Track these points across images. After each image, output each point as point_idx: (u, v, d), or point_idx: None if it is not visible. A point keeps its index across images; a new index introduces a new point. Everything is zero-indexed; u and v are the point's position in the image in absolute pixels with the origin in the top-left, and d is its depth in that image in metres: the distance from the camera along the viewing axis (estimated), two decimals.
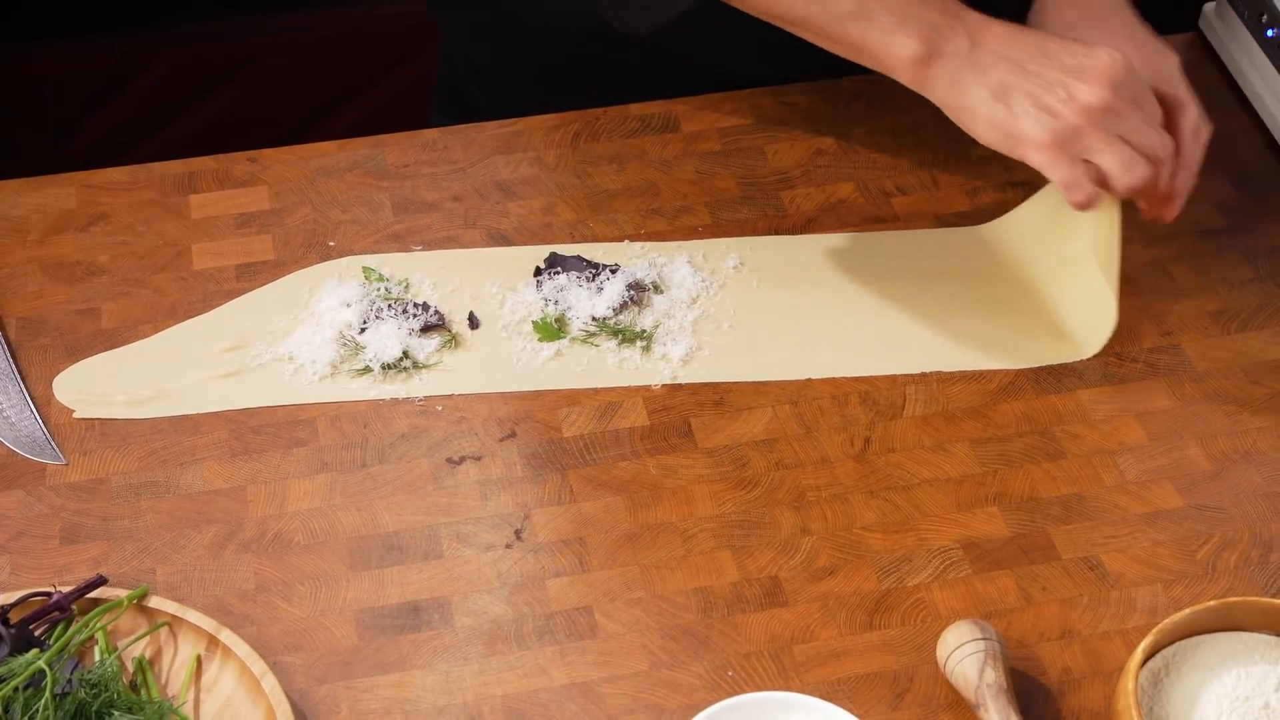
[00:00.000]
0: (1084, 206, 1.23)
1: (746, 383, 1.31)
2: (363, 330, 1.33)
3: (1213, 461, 1.26)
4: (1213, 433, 1.28)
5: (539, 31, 1.54)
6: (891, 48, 1.24)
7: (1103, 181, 1.23)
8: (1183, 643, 1.09)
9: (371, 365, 1.31)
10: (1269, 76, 1.48)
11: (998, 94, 1.22)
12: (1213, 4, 1.57)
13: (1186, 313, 1.36)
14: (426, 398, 1.29)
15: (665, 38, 1.49)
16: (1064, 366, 1.32)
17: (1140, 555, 1.20)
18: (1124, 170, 1.21)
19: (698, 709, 1.05)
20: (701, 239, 1.41)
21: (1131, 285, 1.37)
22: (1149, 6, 1.57)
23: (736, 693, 1.11)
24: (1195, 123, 1.29)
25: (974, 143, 1.41)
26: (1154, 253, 1.40)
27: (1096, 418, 1.29)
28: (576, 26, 1.52)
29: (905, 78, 1.26)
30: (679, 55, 1.51)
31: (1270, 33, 1.47)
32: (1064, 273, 1.35)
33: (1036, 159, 1.22)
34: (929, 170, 1.47)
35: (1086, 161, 1.22)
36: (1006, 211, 1.43)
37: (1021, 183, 1.46)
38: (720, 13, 1.35)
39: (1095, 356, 1.32)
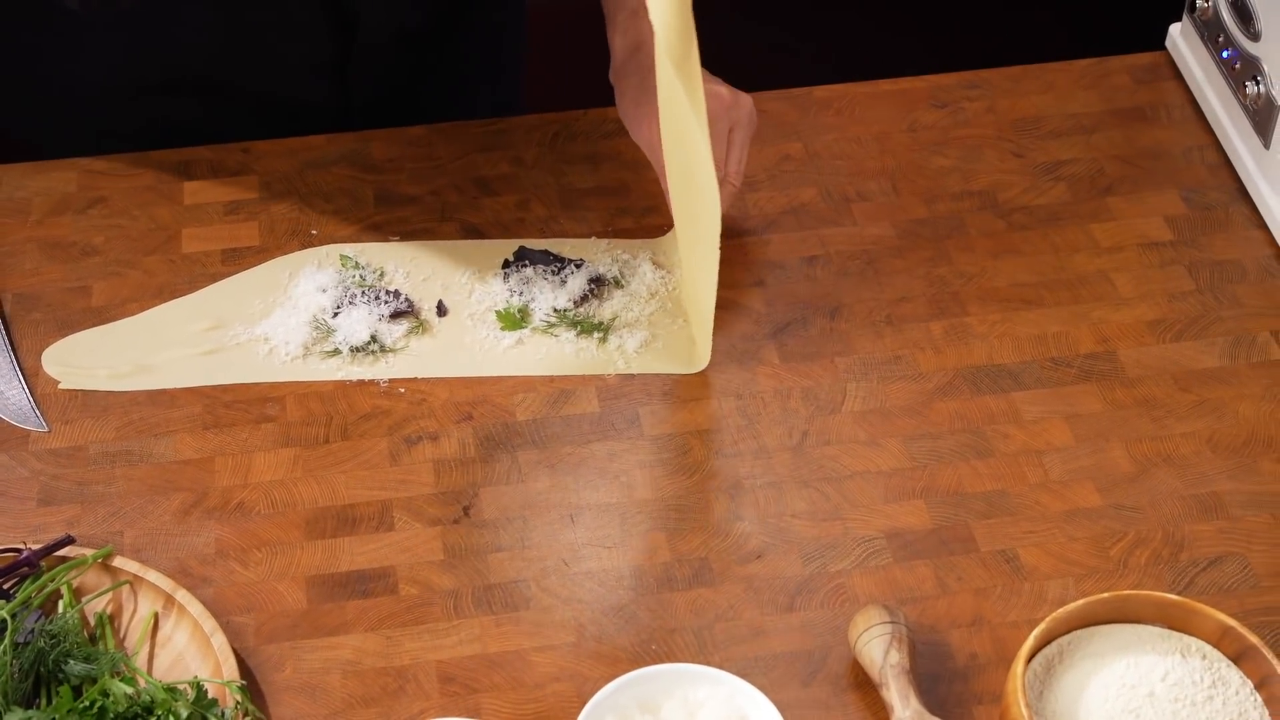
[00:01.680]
0: None
1: (695, 375, 1.37)
2: (335, 314, 1.40)
3: (1135, 464, 1.31)
4: (1138, 436, 1.33)
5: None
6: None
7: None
8: (1079, 632, 1.15)
9: (341, 348, 1.38)
10: (1224, 96, 1.53)
11: None
12: (1178, 25, 1.62)
13: (1125, 321, 1.41)
14: (391, 380, 1.37)
15: None
16: (1000, 368, 1.37)
17: (1055, 550, 1.26)
18: None
19: None
20: (665, 237, 1.47)
21: (1073, 293, 1.43)
22: (1122, 25, 1.63)
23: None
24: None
25: (934, 153, 1.48)
26: (1100, 263, 1.46)
27: (1027, 419, 1.34)
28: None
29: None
30: None
31: (1225, 54, 1.52)
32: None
33: None
34: (890, 178, 1.53)
35: None
36: (961, 219, 1.48)
37: (977, 191, 1.51)
38: None
39: (1033, 361, 1.38)
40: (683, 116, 1.20)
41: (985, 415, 1.34)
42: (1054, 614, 1.13)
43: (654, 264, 1.45)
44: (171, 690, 1.11)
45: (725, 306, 1.42)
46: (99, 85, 1.55)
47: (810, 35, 2.49)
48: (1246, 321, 1.41)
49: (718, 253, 1.27)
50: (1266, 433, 1.33)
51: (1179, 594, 1.21)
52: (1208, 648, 1.14)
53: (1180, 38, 1.62)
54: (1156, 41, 1.65)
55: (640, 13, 1.41)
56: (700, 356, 1.37)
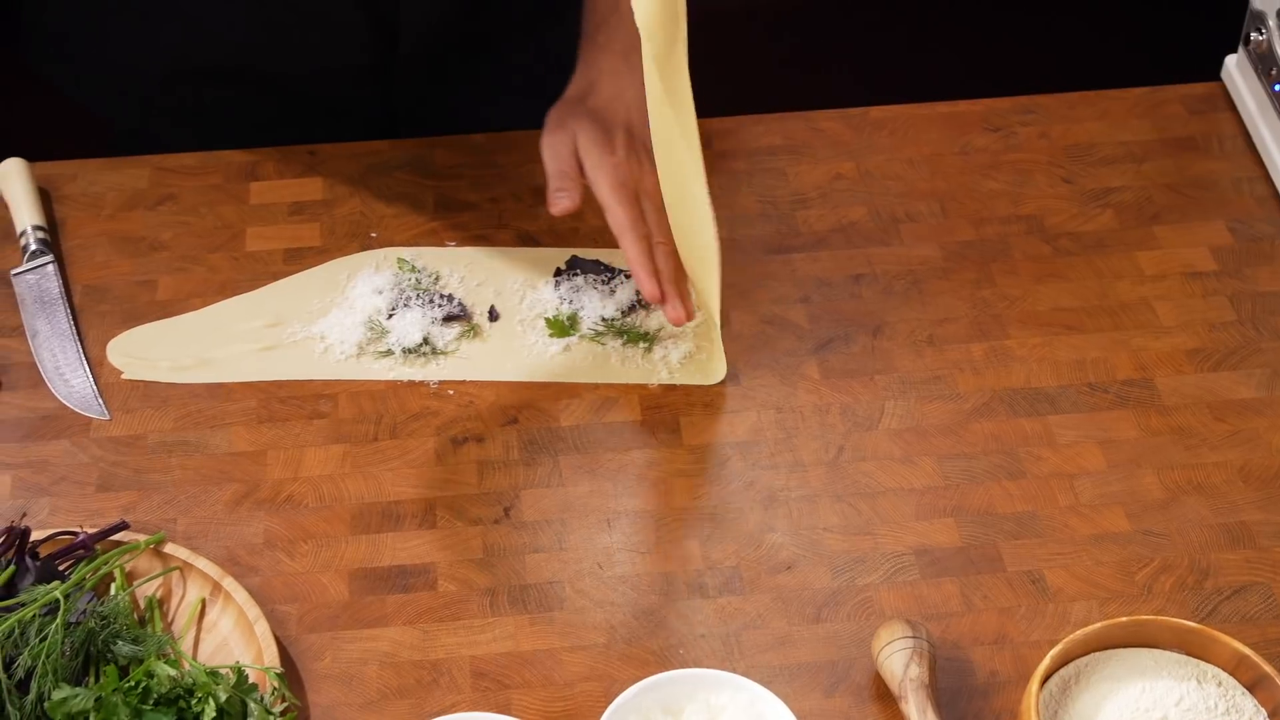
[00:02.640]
0: None
1: (737, 387, 1.40)
2: (390, 316, 1.44)
3: (1165, 491, 1.33)
4: (1170, 464, 1.35)
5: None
6: None
7: None
8: (1097, 654, 1.17)
9: (394, 349, 1.42)
10: (1276, 128, 1.55)
11: None
12: (1234, 56, 1.64)
13: (1164, 349, 1.43)
14: (441, 382, 1.41)
15: None
16: (1038, 392, 1.40)
17: (1081, 573, 1.28)
18: None
19: None
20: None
21: (1114, 320, 1.45)
22: (1179, 54, 1.65)
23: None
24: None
25: (985, 177, 1.50)
26: (1143, 290, 1.48)
27: (1061, 442, 1.36)
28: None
29: None
30: None
31: (1278, 87, 1.53)
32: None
33: None
34: (940, 200, 1.56)
35: None
36: (1008, 242, 1.51)
37: (1025, 216, 1.54)
38: None
39: (1071, 385, 1.40)
40: (672, 139, 1.23)
41: (1020, 437, 1.37)
42: (1071, 635, 1.15)
43: None
44: (213, 674, 1.15)
45: (770, 321, 1.45)
46: (148, 72, 1.60)
47: (868, 57, 2.52)
48: None
49: (718, 270, 1.31)
50: None
51: (1202, 621, 1.23)
52: (1224, 675, 1.16)
53: (1235, 69, 1.63)
54: (1212, 72, 1.66)
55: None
56: (718, 368, 1.40)
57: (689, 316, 1.39)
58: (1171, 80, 1.68)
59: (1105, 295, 1.47)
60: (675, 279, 1.39)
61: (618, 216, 1.39)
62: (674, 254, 1.38)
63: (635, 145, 1.45)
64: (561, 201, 1.41)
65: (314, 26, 1.32)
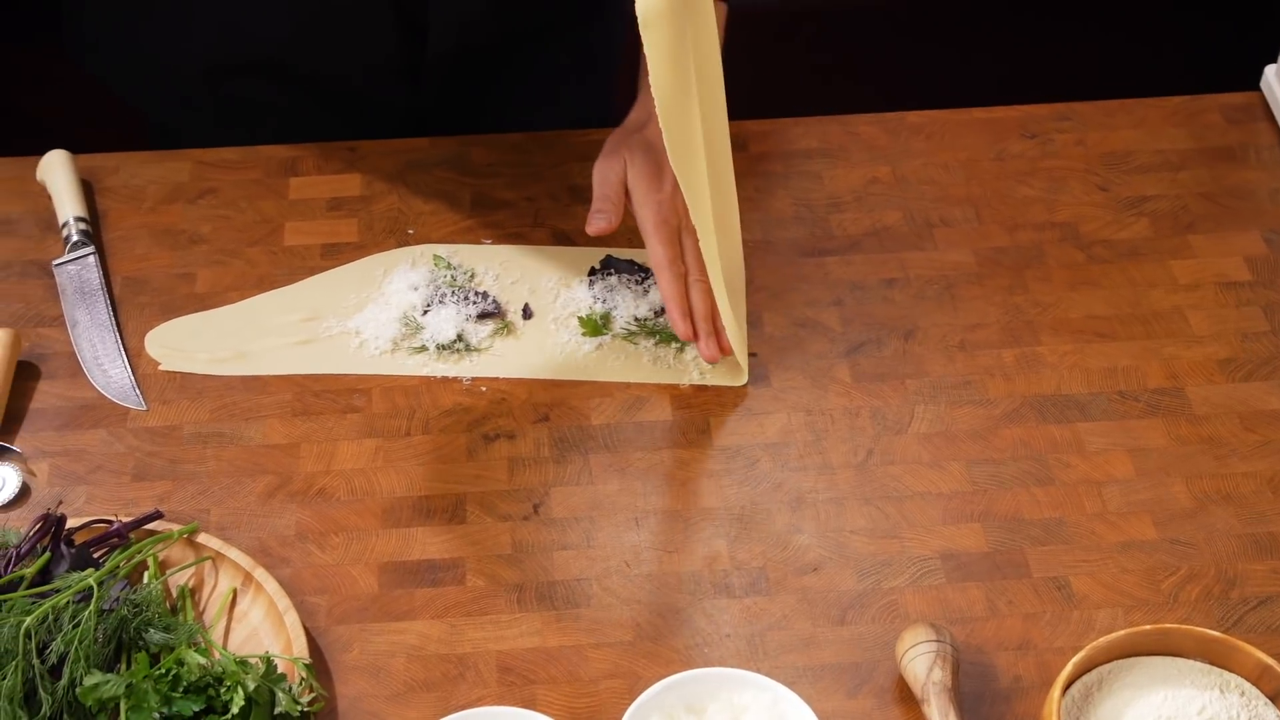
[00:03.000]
0: None
1: (767, 389, 1.41)
2: (425, 312, 1.45)
3: (1194, 500, 1.33)
4: (1199, 473, 1.35)
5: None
6: None
7: None
8: (1120, 662, 1.17)
9: (428, 345, 1.44)
10: None
11: None
12: (1274, 66, 1.64)
13: (1196, 358, 1.43)
14: (474, 378, 1.42)
15: None
16: (1068, 398, 1.40)
17: (1107, 580, 1.28)
18: None
19: None
20: (749, 252, 1.51)
21: (1146, 328, 1.45)
22: (1217, 65, 1.65)
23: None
24: None
25: (1020, 183, 1.51)
26: (1176, 299, 1.48)
27: (1090, 449, 1.37)
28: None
29: None
30: None
31: None
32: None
33: None
34: (974, 205, 1.56)
35: None
36: (1042, 249, 1.51)
37: (1060, 223, 1.54)
38: None
39: (1101, 393, 1.40)
40: (688, 138, 1.27)
41: (1049, 444, 1.37)
42: (1095, 642, 1.16)
43: None
44: (242, 663, 1.17)
45: (802, 324, 1.46)
46: (184, 66, 1.62)
47: (907, 62, 2.52)
48: None
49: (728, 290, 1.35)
50: None
51: (1227, 631, 1.23)
52: (1247, 685, 1.16)
53: (1275, 79, 1.63)
54: (1252, 81, 1.66)
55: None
56: (742, 371, 1.41)
57: (723, 352, 1.40)
58: (1211, 89, 1.68)
59: (1138, 303, 1.47)
60: (708, 315, 1.42)
61: (657, 253, 1.41)
62: (708, 292, 1.40)
63: (653, 167, 1.46)
64: (598, 222, 1.43)
65: (345, 25, 1.34)
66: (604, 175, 1.46)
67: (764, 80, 1.65)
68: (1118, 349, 1.44)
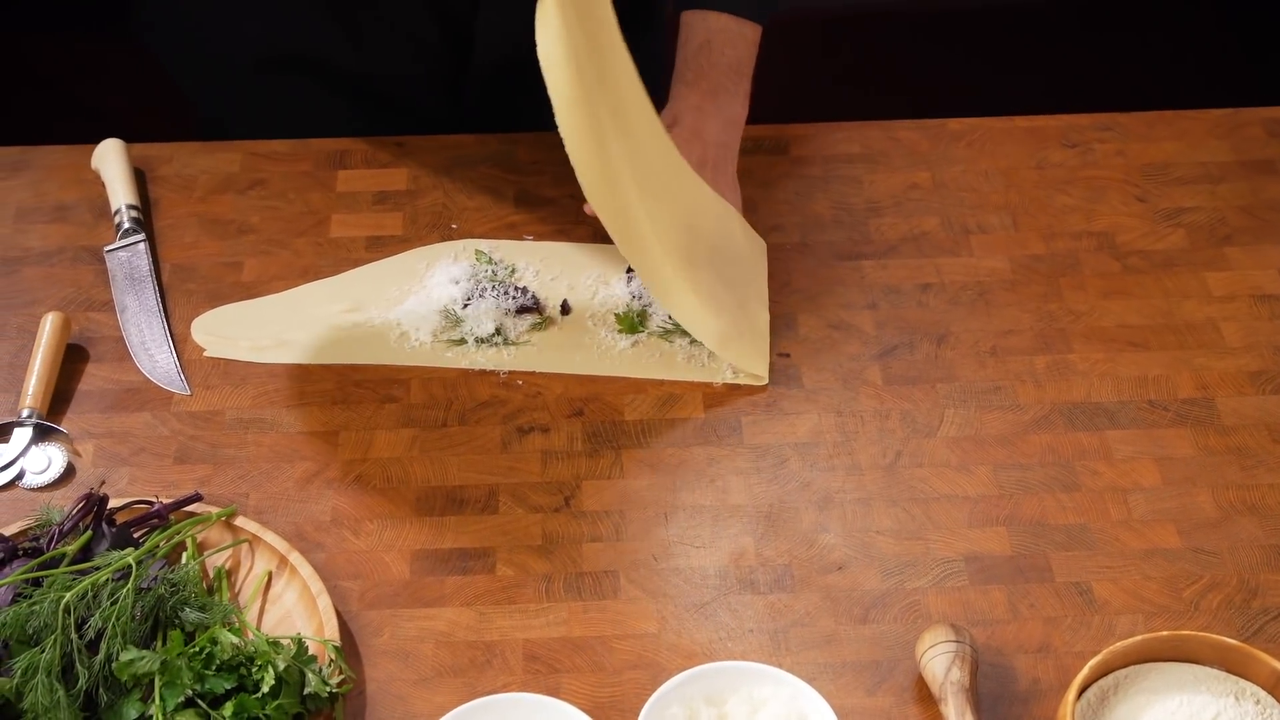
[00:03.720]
0: None
1: (799, 389, 1.43)
2: (465, 306, 1.48)
3: (1219, 510, 1.34)
4: (1225, 483, 1.36)
5: None
6: None
7: None
8: (1137, 667, 1.19)
9: (467, 338, 1.46)
10: None
11: None
12: None
13: (1227, 370, 1.44)
14: (510, 372, 1.44)
15: None
16: (1098, 406, 1.41)
17: (1129, 587, 1.29)
18: None
19: None
20: (787, 255, 1.53)
21: (1179, 338, 1.46)
22: (1261, 79, 1.65)
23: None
24: None
25: (1059, 192, 1.52)
26: (1209, 311, 1.49)
27: (1118, 457, 1.38)
28: None
29: None
30: None
31: None
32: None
33: None
34: (1012, 213, 1.57)
35: None
36: (1077, 258, 1.52)
37: (1097, 232, 1.55)
38: None
39: (1131, 401, 1.41)
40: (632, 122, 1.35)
41: (1077, 450, 1.38)
42: (1112, 647, 1.17)
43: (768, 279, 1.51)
44: (274, 644, 1.19)
45: (837, 326, 1.47)
46: (237, 57, 1.65)
47: (952, 70, 2.53)
48: None
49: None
50: None
51: (1246, 640, 1.24)
52: (1262, 693, 1.17)
53: None
54: None
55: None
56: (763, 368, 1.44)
57: None
58: (1254, 103, 1.68)
59: (1172, 314, 1.49)
60: None
61: None
62: None
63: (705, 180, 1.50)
64: None
65: (392, 32, 1.37)
66: None
67: (807, 85, 1.67)
68: (1149, 358, 1.45)
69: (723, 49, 1.56)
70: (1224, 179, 1.60)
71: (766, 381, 1.43)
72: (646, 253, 1.39)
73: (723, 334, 1.41)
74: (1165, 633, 1.18)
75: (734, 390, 1.43)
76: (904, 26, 2.50)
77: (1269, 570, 1.30)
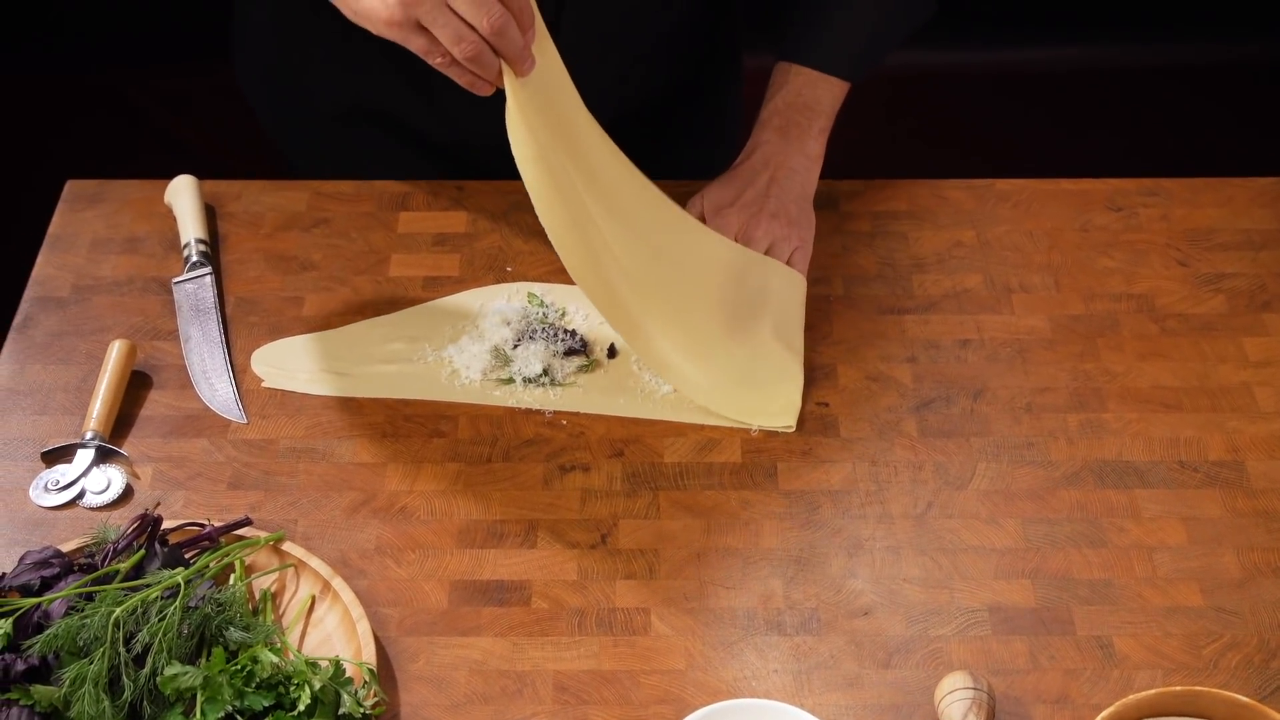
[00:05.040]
0: (468, 85, 1.34)
1: (836, 439, 1.46)
2: (515, 346, 1.53)
3: (1243, 570, 1.36)
4: (1251, 545, 1.38)
5: None
6: None
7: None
8: None
9: (515, 377, 1.51)
10: None
11: None
12: None
13: (1260, 434, 1.46)
14: (555, 412, 1.49)
15: None
16: (1128, 465, 1.44)
17: (1150, 643, 1.32)
18: (454, 42, 1.29)
19: None
20: (830, 307, 1.57)
21: (1213, 401, 1.49)
22: None
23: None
24: None
25: (1101, 254, 1.55)
26: (1245, 375, 1.51)
27: (1146, 516, 1.40)
28: None
29: None
30: None
31: None
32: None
33: (388, 34, 1.31)
34: (1054, 273, 1.60)
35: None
36: (1116, 319, 1.55)
37: (1137, 295, 1.58)
38: None
39: (1162, 461, 1.44)
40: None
41: (1105, 508, 1.41)
42: (1125, 699, 1.20)
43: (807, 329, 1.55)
44: (312, 664, 1.24)
45: (875, 378, 1.51)
46: (320, 107, 1.72)
47: (1005, 131, 2.57)
48: None
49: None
50: None
51: (1264, 700, 1.27)
52: None
53: None
54: None
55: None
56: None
57: None
58: None
59: (1207, 377, 1.51)
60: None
61: None
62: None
63: (762, 202, 1.57)
64: None
65: (460, 96, 1.41)
66: (692, 200, 1.60)
67: (860, 143, 1.71)
68: (1182, 420, 1.47)
69: (800, 91, 1.63)
70: (1266, 246, 1.63)
71: (792, 429, 1.46)
72: (638, 330, 1.45)
73: (727, 397, 1.48)
74: (1179, 688, 1.20)
75: (771, 437, 1.47)
76: (957, 88, 2.54)
77: None
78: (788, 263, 1.57)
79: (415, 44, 1.30)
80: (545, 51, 1.37)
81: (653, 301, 1.46)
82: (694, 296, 1.50)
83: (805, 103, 1.61)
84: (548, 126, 1.38)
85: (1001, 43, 2.67)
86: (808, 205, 1.61)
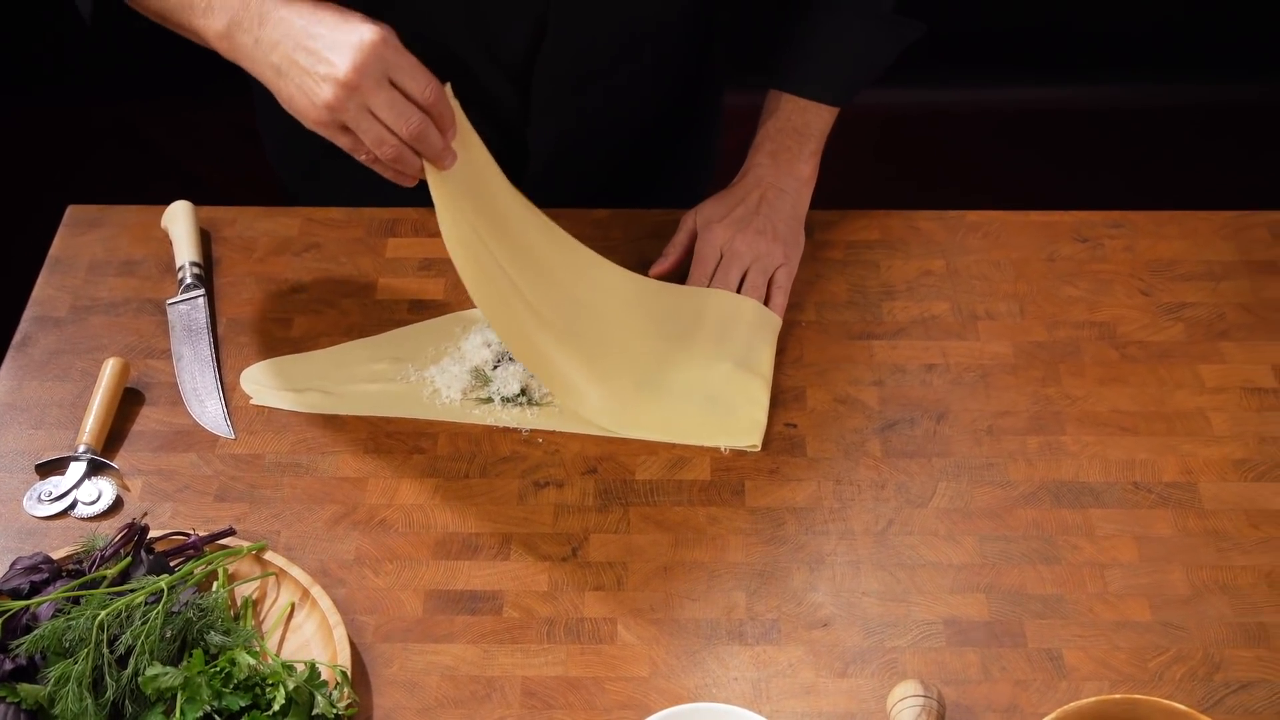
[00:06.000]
0: (393, 178, 1.41)
1: (803, 458, 1.51)
2: (495, 367, 1.58)
3: (1191, 587, 1.41)
4: (1200, 563, 1.43)
5: None
6: (204, 28, 1.41)
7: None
8: None
9: (494, 397, 1.56)
10: None
11: (279, 73, 1.36)
12: None
13: (1213, 457, 1.51)
14: (532, 430, 1.54)
15: None
16: (1084, 486, 1.48)
17: (1098, 655, 1.36)
18: (376, 145, 1.37)
19: None
20: (802, 331, 1.62)
21: (1169, 425, 1.54)
22: (1272, 182, 1.73)
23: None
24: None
25: (1066, 283, 1.60)
26: (1200, 401, 1.56)
27: (1099, 534, 1.45)
28: None
29: (220, 50, 1.42)
30: None
31: None
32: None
33: (318, 131, 1.38)
34: (1020, 301, 1.65)
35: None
36: (1078, 346, 1.60)
37: (1099, 322, 1.63)
38: None
39: (1117, 483, 1.48)
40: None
41: (1060, 526, 1.46)
42: (1065, 707, 1.24)
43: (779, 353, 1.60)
44: (287, 666, 1.29)
45: (843, 400, 1.56)
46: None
47: (979, 165, 2.63)
48: None
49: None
50: None
51: (1206, 711, 1.31)
52: None
53: None
54: None
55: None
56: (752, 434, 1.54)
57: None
58: (1266, 206, 1.76)
59: (1164, 402, 1.56)
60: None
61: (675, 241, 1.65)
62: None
63: (751, 219, 1.64)
64: (658, 265, 1.63)
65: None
66: (684, 220, 1.67)
67: (837, 175, 1.77)
68: (1138, 443, 1.52)
69: (790, 116, 1.69)
70: (1226, 277, 1.68)
71: (759, 448, 1.51)
72: (571, 389, 1.54)
73: (690, 422, 1.55)
74: (1119, 696, 1.25)
75: (740, 456, 1.52)
76: (936, 124, 2.61)
77: (1233, 646, 1.37)
78: (771, 279, 1.62)
79: (342, 142, 1.38)
80: (470, 145, 1.46)
81: (579, 354, 1.54)
82: (631, 339, 1.58)
83: (795, 128, 1.67)
84: (475, 210, 1.46)
85: (983, 83, 2.77)
86: (797, 225, 1.67)
